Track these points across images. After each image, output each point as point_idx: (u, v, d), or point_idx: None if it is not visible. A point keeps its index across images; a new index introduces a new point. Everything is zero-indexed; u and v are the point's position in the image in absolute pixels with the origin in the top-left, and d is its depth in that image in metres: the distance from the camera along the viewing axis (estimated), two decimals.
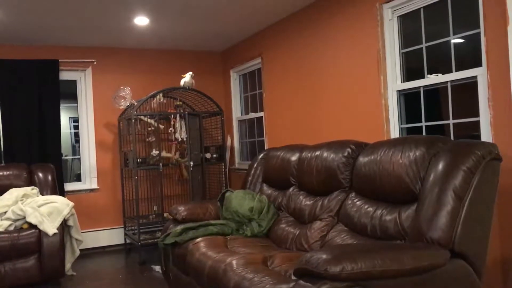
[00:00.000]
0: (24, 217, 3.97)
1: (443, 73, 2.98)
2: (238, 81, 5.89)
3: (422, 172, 2.26)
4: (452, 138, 2.94)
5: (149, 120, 5.16)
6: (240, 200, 3.45)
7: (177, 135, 5.11)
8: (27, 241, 3.85)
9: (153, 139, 5.17)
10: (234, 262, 2.45)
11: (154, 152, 4.96)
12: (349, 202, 2.74)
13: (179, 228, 3.32)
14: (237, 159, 5.89)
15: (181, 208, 3.60)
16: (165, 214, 5.19)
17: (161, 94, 5.10)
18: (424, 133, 3.16)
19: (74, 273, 4.36)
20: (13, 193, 4.24)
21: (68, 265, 4.25)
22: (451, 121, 2.97)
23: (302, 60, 4.35)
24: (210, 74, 6.06)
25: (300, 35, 4.35)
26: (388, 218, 2.38)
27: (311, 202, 3.08)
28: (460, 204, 2.03)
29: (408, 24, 3.32)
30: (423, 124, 3.18)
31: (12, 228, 3.97)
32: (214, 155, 5.33)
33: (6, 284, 3.80)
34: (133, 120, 4.78)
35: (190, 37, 5.23)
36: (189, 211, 3.58)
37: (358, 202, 2.67)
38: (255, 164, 4.03)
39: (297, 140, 4.44)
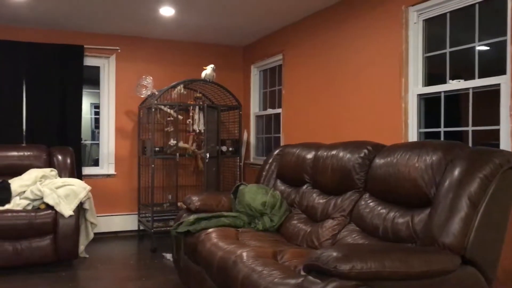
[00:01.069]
0: (42, 198, 4.07)
1: (465, 79, 2.96)
2: (258, 77, 5.91)
3: (437, 177, 2.25)
4: (470, 145, 2.91)
5: (168, 110, 5.21)
6: (253, 194, 3.48)
7: (195, 127, 5.16)
8: (43, 221, 3.94)
9: (172, 129, 5.23)
10: (244, 254, 2.48)
11: (172, 142, 5.02)
12: (363, 202, 2.75)
13: (192, 217, 3.36)
14: (252, 154, 5.91)
15: (195, 198, 3.65)
16: (179, 204, 5.25)
17: (181, 85, 5.15)
18: (442, 139, 3.13)
19: (87, 256, 4.45)
20: (32, 174, 4.34)
21: (81, 247, 4.34)
22: (470, 128, 2.94)
23: (324, 59, 4.34)
24: (230, 68, 6.09)
25: (323, 34, 4.35)
26: (400, 221, 2.38)
27: (324, 200, 3.09)
28: (474, 211, 2.01)
29: (433, 28, 3.29)
30: (442, 129, 3.16)
31: (30, 207, 4.07)
32: (230, 149, 5.37)
33: (21, 262, 3.90)
34: (153, 109, 4.84)
35: (214, 30, 5.26)
36: (203, 202, 3.62)
37: (371, 203, 2.67)
38: (270, 160, 4.05)
39: (313, 139, 4.44)
